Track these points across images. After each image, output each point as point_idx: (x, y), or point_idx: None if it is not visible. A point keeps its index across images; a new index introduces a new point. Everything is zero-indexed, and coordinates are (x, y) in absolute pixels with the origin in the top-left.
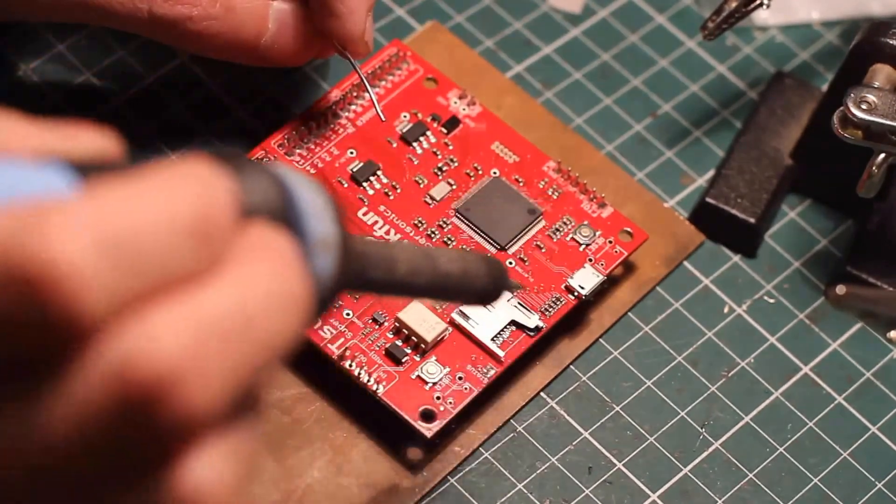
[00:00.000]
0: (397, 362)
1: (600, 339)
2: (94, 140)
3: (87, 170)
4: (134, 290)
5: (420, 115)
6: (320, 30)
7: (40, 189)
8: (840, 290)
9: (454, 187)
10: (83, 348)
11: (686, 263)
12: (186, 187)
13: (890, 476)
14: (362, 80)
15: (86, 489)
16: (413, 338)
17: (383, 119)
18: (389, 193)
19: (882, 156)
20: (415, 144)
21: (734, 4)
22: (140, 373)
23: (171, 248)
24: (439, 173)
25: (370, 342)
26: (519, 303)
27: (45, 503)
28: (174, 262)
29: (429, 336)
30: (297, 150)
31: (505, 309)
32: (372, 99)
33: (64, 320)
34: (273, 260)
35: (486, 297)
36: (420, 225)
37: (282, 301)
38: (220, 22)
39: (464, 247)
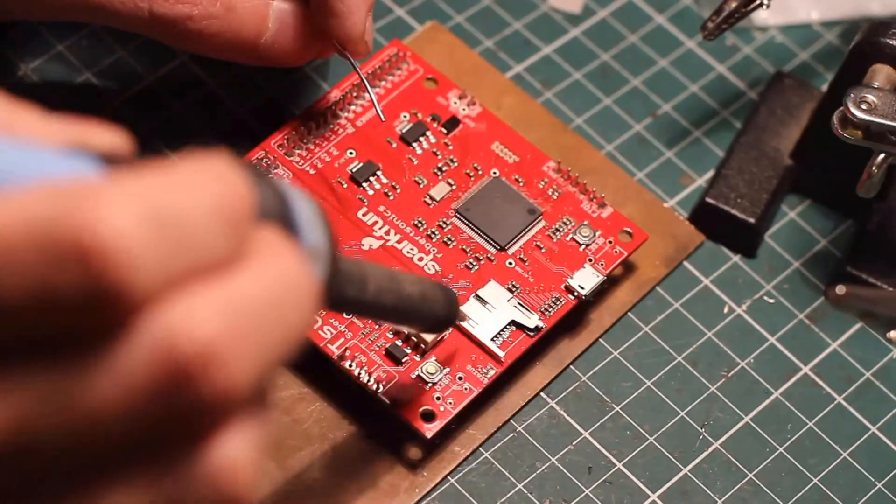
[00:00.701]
0: (397, 362)
1: (600, 339)
2: (106, 137)
3: (109, 161)
4: (177, 269)
5: (420, 115)
6: (320, 29)
7: (75, 173)
8: (840, 290)
9: (454, 187)
10: (130, 321)
11: (686, 263)
12: (216, 179)
13: (890, 476)
14: (362, 80)
15: (120, 459)
16: (413, 338)
17: (383, 119)
18: (389, 194)
19: (882, 156)
20: (415, 144)
21: (734, 4)
22: (183, 347)
23: (211, 232)
24: (439, 173)
25: (370, 342)
26: (519, 303)
27: (79, 471)
28: (212, 246)
29: (429, 336)
30: (297, 151)
31: (505, 309)
32: (372, 99)
33: (114, 292)
34: (288, 257)
35: (440, 324)
36: (420, 225)
37: (299, 293)
38: (221, 21)
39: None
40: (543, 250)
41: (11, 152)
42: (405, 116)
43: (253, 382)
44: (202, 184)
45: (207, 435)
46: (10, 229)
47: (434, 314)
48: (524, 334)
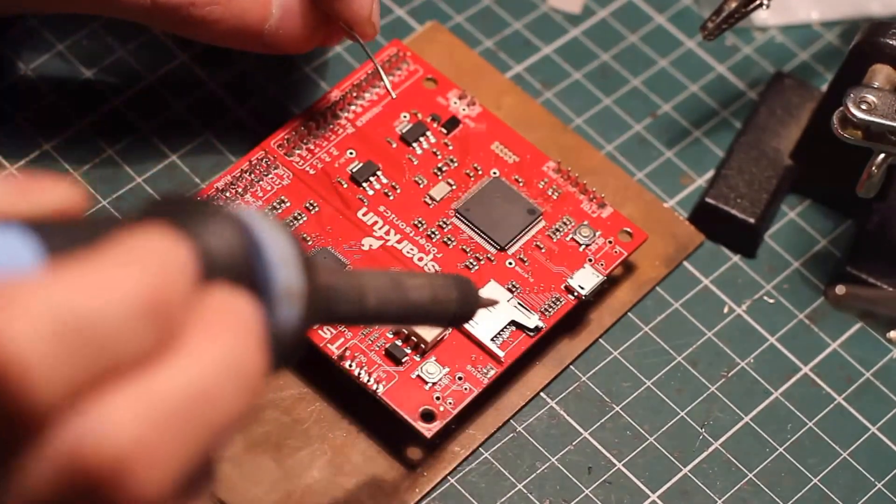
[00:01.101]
0: (397, 362)
1: (600, 339)
2: (55, 194)
3: (48, 232)
4: (88, 376)
5: (420, 116)
6: (326, 13)
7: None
8: (840, 290)
9: (454, 187)
10: (38, 435)
11: (686, 263)
12: (143, 266)
13: (890, 476)
14: (372, 59)
15: None
16: (413, 338)
17: (394, 96)
18: (389, 194)
19: (882, 156)
20: (414, 145)
21: (734, 5)
22: (92, 460)
23: (126, 332)
24: (439, 173)
25: (370, 342)
26: (519, 303)
27: None
28: (129, 345)
29: (429, 336)
30: (297, 151)
31: (505, 309)
32: (381, 75)
33: (17, 411)
34: (230, 333)
35: (456, 320)
36: (420, 225)
37: (237, 377)
38: (223, 7)
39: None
40: (543, 250)
41: None
42: (405, 116)
43: (179, 477)
44: (126, 274)
45: None
46: None
47: (447, 313)
48: (524, 334)
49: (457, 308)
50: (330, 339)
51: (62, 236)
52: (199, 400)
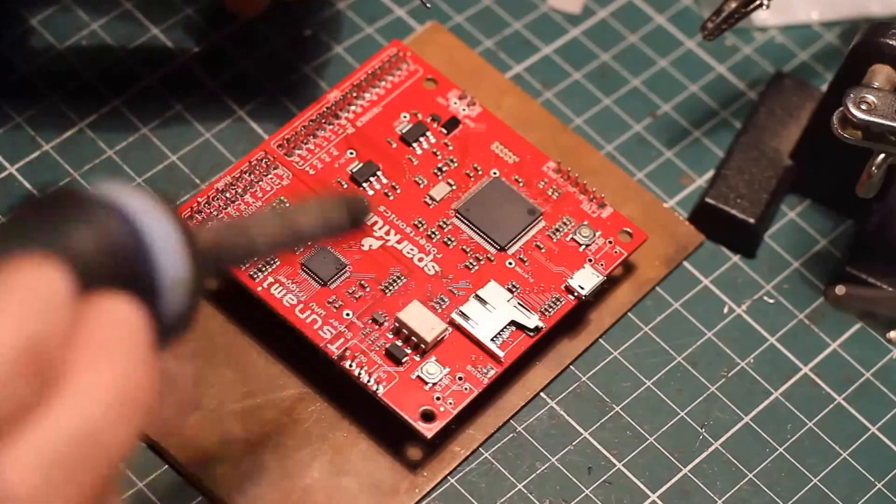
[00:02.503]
0: (397, 362)
1: (600, 339)
2: None
3: None
4: None
5: (420, 116)
6: None
7: None
8: (839, 290)
9: (454, 188)
10: None
11: (686, 263)
12: (15, 314)
13: (890, 476)
14: None
15: None
16: (413, 338)
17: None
18: (389, 194)
19: (882, 156)
20: (414, 145)
21: (734, 5)
22: None
23: (6, 387)
24: (439, 174)
25: (370, 342)
26: (519, 303)
27: None
28: (11, 400)
29: (429, 336)
30: (297, 151)
31: (505, 309)
32: None
33: None
34: (115, 355)
35: (348, 233)
36: (420, 225)
37: (128, 401)
38: None
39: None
40: (543, 250)
41: None
42: (405, 117)
43: None
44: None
45: None
46: None
47: (339, 231)
48: (524, 334)
49: (346, 225)
50: (330, 339)
51: None
52: (91, 436)
